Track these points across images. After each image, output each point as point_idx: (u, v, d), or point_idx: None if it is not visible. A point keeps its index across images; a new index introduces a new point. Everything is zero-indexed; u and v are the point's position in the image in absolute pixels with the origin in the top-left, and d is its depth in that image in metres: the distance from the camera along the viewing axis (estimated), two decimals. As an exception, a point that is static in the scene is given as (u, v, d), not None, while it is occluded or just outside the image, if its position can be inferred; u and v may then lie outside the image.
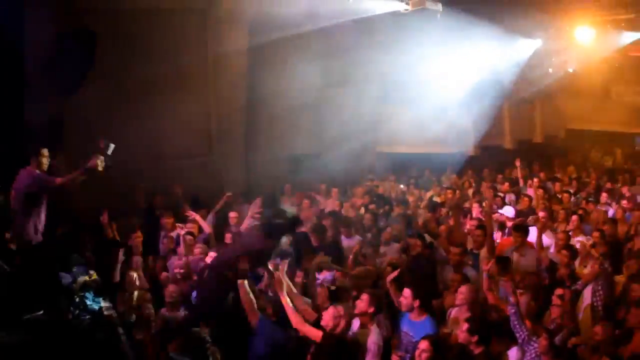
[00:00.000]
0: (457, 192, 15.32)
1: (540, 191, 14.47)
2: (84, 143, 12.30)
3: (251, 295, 7.25)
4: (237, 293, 7.34)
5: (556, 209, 12.78)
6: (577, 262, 9.60)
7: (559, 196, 14.41)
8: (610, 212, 12.92)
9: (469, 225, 11.62)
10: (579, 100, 22.10)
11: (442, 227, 11.43)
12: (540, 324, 7.46)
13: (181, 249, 10.47)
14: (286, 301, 6.92)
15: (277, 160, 16.91)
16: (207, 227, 11.27)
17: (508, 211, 12.01)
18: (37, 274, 7.68)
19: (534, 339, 6.80)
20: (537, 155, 20.73)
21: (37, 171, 7.61)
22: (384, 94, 14.17)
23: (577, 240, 10.41)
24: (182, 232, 10.94)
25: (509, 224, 11.41)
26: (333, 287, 8.23)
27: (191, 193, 13.77)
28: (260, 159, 16.54)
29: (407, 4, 13.04)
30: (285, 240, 8.85)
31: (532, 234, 10.60)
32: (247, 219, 11.47)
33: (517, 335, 7.13)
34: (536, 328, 7.08)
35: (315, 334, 6.60)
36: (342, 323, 6.72)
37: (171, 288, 8.48)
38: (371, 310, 7.06)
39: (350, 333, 7.02)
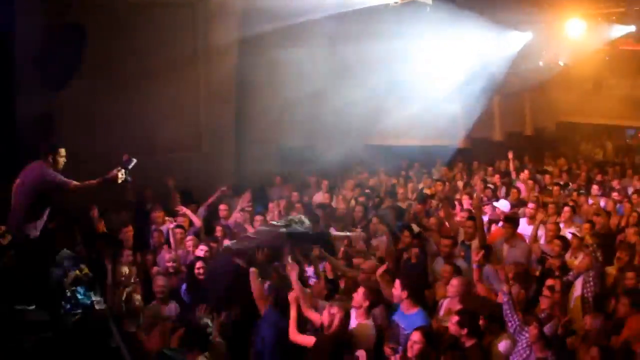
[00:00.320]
0: (447, 184, 15.35)
1: (530, 182, 14.52)
2: (75, 137, 12.40)
3: (261, 284, 7.33)
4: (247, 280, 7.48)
5: (547, 201, 12.82)
6: (568, 254, 9.63)
7: (550, 188, 14.42)
8: (602, 204, 12.97)
9: (459, 216, 11.67)
10: (569, 93, 22.19)
11: (433, 219, 11.44)
12: (531, 314, 7.48)
13: (172, 242, 10.47)
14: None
15: (267, 152, 16.91)
16: (197, 221, 11.28)
17: (503, 205, 12.05)
18: (32, 269, 7.65)
19: (526, 328, 6.84)
20: (527, 147, 20.78)
21: (52, 170, 7.47)
22: (374, 87, 14.16)
23: (569, 232, 10.44)
24: (171, 226, 10.91)
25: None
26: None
27: (181, 186, 13.74)
28: (250, 151, 16.53)
29: (397, -4, 13.03)
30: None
31: (524, 226, 10.69)
32: (235, 212, 11.52)
33: (509, 324, 7.16)
34: (527, 318, 7.11)
35: (308, 341, 6.68)
36: (337, 320, 6.77)
37: (160, 282, 8.48)
38: (366, 304, 7.09)
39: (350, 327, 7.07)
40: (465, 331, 6.44)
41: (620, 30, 17.78)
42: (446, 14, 13.81)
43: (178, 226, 10.83)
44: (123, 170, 7.55)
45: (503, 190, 14.48)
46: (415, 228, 10.67)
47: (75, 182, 7.42)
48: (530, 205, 11.73)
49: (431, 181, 15.89)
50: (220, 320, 7.45)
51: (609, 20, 17.06)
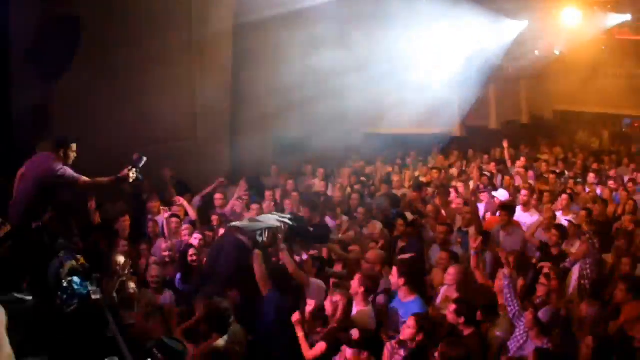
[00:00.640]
0: (443, 172, 15.34)
1: (522, 171, 14.53)
2: (70, 127, 12.36)
3: (264, 266, 7.44)
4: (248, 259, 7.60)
5: (543, 189, 12.83)
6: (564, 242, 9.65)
7: (546, 176, 14.42)
8: (598, 192, 12.98)
9: (456, 203, 11.68)
10: (565, 81, 22.16)
11: (430, 207, 11.43)
12: (528, 301, 7.49)
13: (166, 231, 10.48)
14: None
15: (262, 141, 16.89)
16: (192, 213, 11.30)
17: (502, 195, 12.06)
18: (32, 260, 7.64)
19: (524, 314, 6.86)
20: (523, 136, 20.79)
21: (62, 164, 7.42)
22: (370, 75, 14.14)
23: (565, 219, 10.47)
24: (166, 215, 10.93)
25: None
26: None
27: (177, 176, 13.72)
28: (245, 141, 16.52)
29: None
30: None
31: (519, 213, 10.71)
32: (232, 201, 11.52)
33: (509, 309, 7.19)
34: (524, 305, 7.13)
35: (321, 348, 6.66)
36: (341, 307, 6.78)
37: (153, 272, 8.45)
38: (361, 290, 7.10)
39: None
40: (462, 320, 6.44)
41: (616, 19, 17.79)
42: (443, 1, 13.79)
43: (173, 215, 10.84)
44: (134, 170, 7.54)
45: (499, 178, 14.47)
46: (409, 216, 10.66)
47: (85, 178, 7.40)
48: (523, 192, 11.74)
49: (427, 169, 15.88)
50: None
51: (604, 9, 17.09)
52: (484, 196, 11.98)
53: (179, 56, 14.74)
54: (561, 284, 8.15)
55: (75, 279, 7.72)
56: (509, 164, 15.86)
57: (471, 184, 13.57)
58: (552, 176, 14.16)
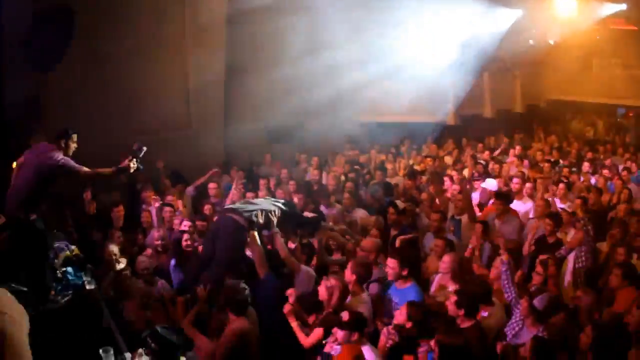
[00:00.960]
0: (437, 160, 15.34)
1: (515, 159, 14.54)
2: (63, 118, 12.32)
3: (261, 247, 7.46)
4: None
5: (536, 177, 12.84)
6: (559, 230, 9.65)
7: (541, 165, 14.43)
8: (592, 182, 12.99)
9: (450, 191, 11.68)
10: (560, 70, 22.18)
11: (424, 194, 11.41)
12: (524, 288, 7.49)
13: (154, 220, 10.52)
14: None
15: (256, 131, 16.89)
16: (181, 205, 11.33)
17: (491, 184, 12.06)
18: (30, 251, 7.62)
19: (520, 301, 6.87)
20: (517, 125, 20.79)
21: (63, 155, 7.38)
22: (364, 63, 14.12)
23: (560, 206, 10.48)
24: (157, 205, 10.95)
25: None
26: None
27: (170, 166, 13.70)
28: (239, 129, 16.52)
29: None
30: None
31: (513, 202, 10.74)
32: (232, 192, 11.52)
33: (506, 295, 7.21)
34: (519, 292, 7.13)
35: (318, 336, 6.65)
36: (336, 293, 6.78)
37: (142, 264, 8.36)
38: (353, 277, 7.09)
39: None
40: (462, 312, 6.39)
41: (611, 8, 17.78)
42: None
43: (167, 204, 10.84)
44: (135, 160, 7.51)
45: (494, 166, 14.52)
46: (400, 204, 10.65)
47: (86, 169, 7.35)
48: (515, 180, 11.77)
49: (421, 158, 15.87)
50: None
51: (599, -1, 17.07)
52: (478, 184, 11.99)
53: (173, 46, 14.71)
54: (558, 272, 8.18)
55: (70, 269, 7.74)
56: (496, 153, 15.88)
57: (465, 172, 13.58)
58: (546, 165, 14.16)
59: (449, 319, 6.50)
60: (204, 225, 9.94)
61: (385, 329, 6.59)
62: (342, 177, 13.35)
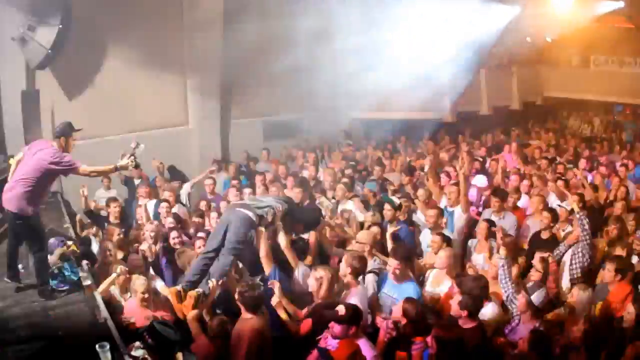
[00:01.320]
0: (434, 157, 15.28)
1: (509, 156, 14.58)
2: (60, 113, 12.34)
3: (268, 243, 7.49)
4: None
5: (533, 174, 12.84)
6: (556, 226, 9.65)
7: (539, 163, 14.43)
8: (589, 179, 12.98)
9: (446, 185, 11.67)
10: (557, 68, 22.21)
11: (421, 191, 11.37)
12: (521, 283, 7.49)
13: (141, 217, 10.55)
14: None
15: (253, 127, 16.90)
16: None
17: (480, 181, 12.04)
18: (29, 244, 7.64)
19: (517, 297, 6.87)
20: (514, 122, 20.79)
21: (62, 152, 7.38)
22: (362, 60, 14.09)
23: (557, 204, 10.49)
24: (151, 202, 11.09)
25: (486, 193, 11.61)
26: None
27: (168, 162, 13.70)
28: (236, 126, 16.53)
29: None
30: None
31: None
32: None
33: (503, 291, 7.22)
34: (517, 289, 7.13)
35: (307, 326, 6.69)
36: (325, 284, 6.80)
37: (134, 262, 8.35)
38: (348, 270, 7.10)
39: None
40: (465, 313, 6.36)
41: (608, 5, 17.77)
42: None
43: (163, 200, 10.87)
44: (133, 157, 7.53)
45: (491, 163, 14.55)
46: (396, 201, 10.63)
47: (85, 167, 7.37)
48: (513, 177, 11.77)
49: (417, 154, 15.85)
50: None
51: (597, -4, 17.06)
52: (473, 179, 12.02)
53: (171, 41, 14.69)
54: (557, 269, 8.20)
55: (66, 265, 7.74)
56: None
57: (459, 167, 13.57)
58: (544, 162, 14.15)
59: (447, 317, 6.49)
60: (201, 223, 9.95)
61: (385, 323, 6.61)
62: (339, 174, 13.31)
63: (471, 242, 9.53)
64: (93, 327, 6.68)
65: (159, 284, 8.15)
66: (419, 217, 10.29)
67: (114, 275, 7.63)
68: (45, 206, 9.84)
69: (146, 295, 7.24)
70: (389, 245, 8.55)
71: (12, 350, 6.08)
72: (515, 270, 7.99)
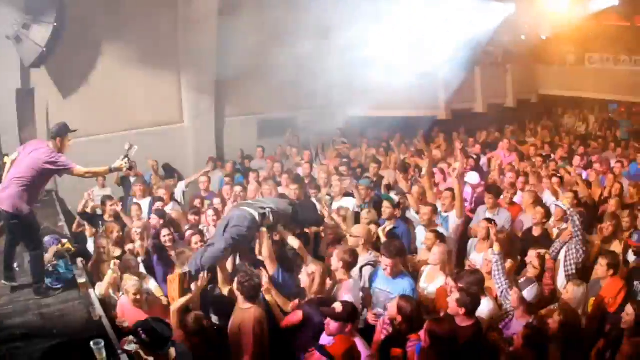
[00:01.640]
0: (429, 154, 15.29)
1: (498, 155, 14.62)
2: (55, 111, 12.33)
3: (270, 243, 7.48)
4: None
5: (527, 171, 12.86)
6: (552, 224, 9.65)
7: (534, 160, 14.44)
8: (584, 176, 13.00)
9: (440, 183, 11.69)
10: (552, 65, 22.25)
11: (416, 188, 11.37)
12: (512, 280, 7.49)
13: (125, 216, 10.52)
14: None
15: (248, 125, 16.89)
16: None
17: (472, 178, 12.06)
18: (25, 242, 7.65)
19: (511, 292, 6.88)
20: (509, 119, 20.82)
21: (57, 152, 7.39)
22: (356, 57, 14.07)
23: (554, 204, 10.48)
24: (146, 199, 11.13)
25: (479, 189, 11.64)
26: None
27: (162, 160, 13.70)
28: (230, 123, 16.53)
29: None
30: None
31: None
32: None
33: (497, 286, 7.24)
34: (510, 285, 7.14)
35: (297, 317, 6.70)
36: (317, 279, 6.83)
37: (128, 263, 8.30)
38: (340, 265, 7.11)
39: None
40: (463, 311, 6.34)
41: (603, 3, 17.78)
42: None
43: (157, 198, 10.90)
44: (127, 159, 7.58)
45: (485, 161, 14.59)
46: (395, 198, 10.64)
47: (79, 168, 7.39)
48: (509, 174, 11.83)
49: (412, 152, 15.84)
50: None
51: (591, -6, 17.08)
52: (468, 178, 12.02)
53: (165, 39, 14.68)
54: (554, 265, 8.22)
55: (61, 263, 7.75)
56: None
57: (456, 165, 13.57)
58: (539, 159, 14.17)
59: (450, 320, 6.45)
60: (197, 220, 9.95)
61: (381, 319, 6.64)
62: (333, 171, 13.29)
63: (471, 242, 9.54)
64: (88, 324, 6.72)
65: (152, 284, 8.15)
66: (412, 214, 10.28)
67: (110, 273, 7.63)
68: (41, 205, 9.89)
69: (138, 297, 7.21)
70: (382, 241, 8.55)
71: (8, 348, 6.11)
72: (509, 265, 8.01)
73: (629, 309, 6.20)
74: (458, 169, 10.22)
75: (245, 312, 6.55)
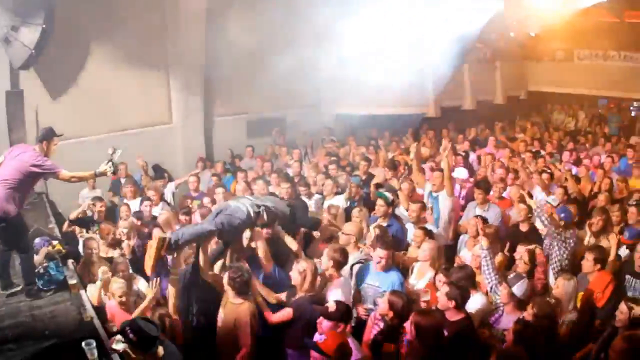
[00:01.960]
0: (417, 151, 15.29)
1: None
2: (43, 112, 12.30)
3: (265, 242, 7.49)
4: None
5: (517, 168, 12.90)
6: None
7: (523, 156, 14.48)
8: (574, 171, 13.05)
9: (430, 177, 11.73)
10: (540, 62, 22.31)
11: (405, 185, 11.37)
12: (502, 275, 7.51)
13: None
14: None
15: (236, 124, 16.89)
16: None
17: (461, 173, 12.10)
18: (14, 244, 7.64)
19: (500, 288, 6.90)
20: (498, 116, 20.85)
21: (43, 156, 7.40)
22: (344, 55, 14.08)
23: (546, 200, 10.53)
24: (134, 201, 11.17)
25: (468, 185, 11.70)
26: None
27: (151, 161, 13.67)
28: (219, 123, 16.52)
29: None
30: None
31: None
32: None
33: (486, 281, 7.26)
34: (500, 280, 7.16)
35: (287, 314, 6.73)
36: (308, 276, 6.84)
37: (119, 267, 8.26)
38: (330, 264, 7.13)
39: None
40: (453, 304, 6.35)
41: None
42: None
43: (146, 198, 10.98)
44: (111, 163, 7.60)
45: (474, 157, 14.64)
46: (389, 196, 10.66)
47: (65, 172, 7.41)
48: (499, 170, 11.91)
49: (401, 149, 15.84)
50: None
51: (580, -10, 17.11)
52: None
53: (153, 39, 14.66)
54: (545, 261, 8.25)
55: (52, 264, 7.74)
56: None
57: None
58: (529, 155, 14.20)
59: (441, 315, 6.46)
60: (188, 220, 9.95)
61: (372, 315, 6.66)
62: (323, 169, 13.29)
63: (462, 238, 9.58)
64: (79, 325, 6.72)
65: (142, 284, 8.13)
66: (401, 211, 10.30)
67: (99, 284, 7.60)
68: (30, 207, 9.87)
69: (124, 299, 7.18)
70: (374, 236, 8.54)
71: (-1, 350, 6.11)
72: (499, 259, 8.05)
73: (623, 307, 6.21)
74: (448, 147, 10.30)
75: (239, 307, 6.56)
